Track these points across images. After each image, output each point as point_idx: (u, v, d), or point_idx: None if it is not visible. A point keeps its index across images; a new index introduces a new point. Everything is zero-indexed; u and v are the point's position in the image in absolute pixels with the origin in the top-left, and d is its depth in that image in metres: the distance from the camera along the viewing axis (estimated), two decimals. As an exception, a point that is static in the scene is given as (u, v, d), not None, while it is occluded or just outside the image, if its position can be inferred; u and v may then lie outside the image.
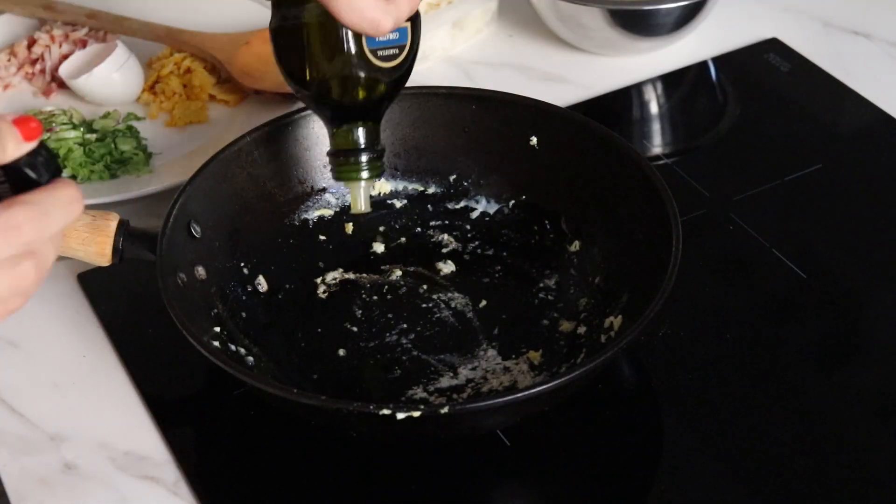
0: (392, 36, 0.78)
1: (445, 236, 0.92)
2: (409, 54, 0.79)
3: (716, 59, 1.12)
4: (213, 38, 1.09)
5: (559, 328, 0.85)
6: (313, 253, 0.91)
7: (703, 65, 1.12)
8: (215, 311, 0.82)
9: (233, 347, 0.81)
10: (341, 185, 0.92)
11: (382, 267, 0.91)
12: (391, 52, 0.78)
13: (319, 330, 0.86)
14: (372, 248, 0.92)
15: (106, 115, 1.04)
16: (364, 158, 0.80)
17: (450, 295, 0.88)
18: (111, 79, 1.04)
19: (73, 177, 0.98)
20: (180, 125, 1.04)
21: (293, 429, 0.80)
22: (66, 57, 1.09)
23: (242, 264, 0.87)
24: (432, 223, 0.93)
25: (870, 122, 1.04)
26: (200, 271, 0.83)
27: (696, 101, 1.11)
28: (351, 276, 0.90)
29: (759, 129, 1.05)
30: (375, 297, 0.88)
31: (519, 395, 0.73)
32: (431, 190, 0.94)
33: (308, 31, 0.77)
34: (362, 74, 0.78)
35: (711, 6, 1.08)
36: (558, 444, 0.79)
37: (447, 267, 0.90)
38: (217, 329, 0.81)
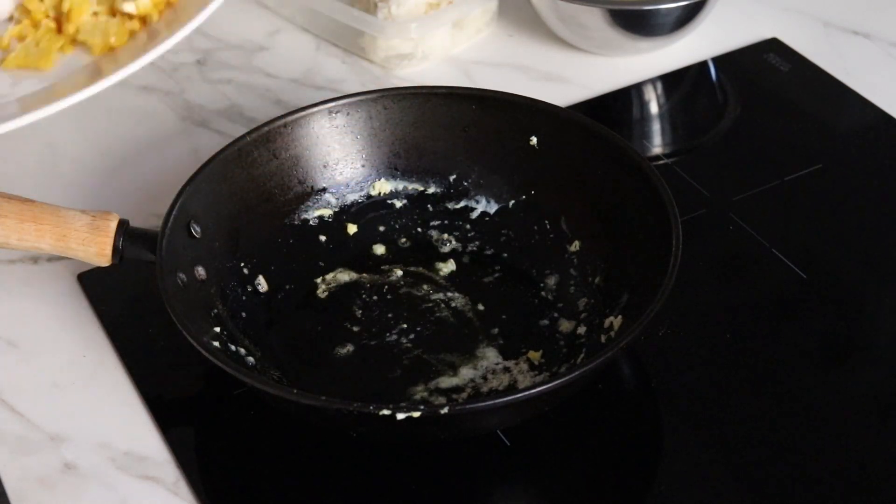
0: None
1: (445, 236, 0.92)
2: None
3: (716, 59, 1.12)
4: None
5: (559, 328, 0.85)
6: (313, 253, 0.91)
7: (703, 65, 1.12)
8: (215, 311, 0.82)
9: (233, 347, 0.81)
10: (341, 186, 0.92)
11: (382, 267, 0.91)
12: None
13: (319, 329, 0.86)
14: (372, 248, 0.92)
15: None
16: None
17: (450, 295, 0.88)
18: None
19: None
20: (11, 67, 0.83)
21: (293, 429, 0.80)
22: None
23: (242, 264, 0.87)
24: (432, 223, 0.93)
25: (870, 122, 1.04)
26: (200, 271, 0.83)
27: (696, 101, 1.11)
28: (351, 275, 0.90)
29: (759, 129, 1.05)
30: (375, 297, 0.88)
31: (519, 395, 0.73)
32: (431, 190, 0.94)
33: None
34: None
35: (711, 6, 1.08)
36: (558, 444, 0.79)
37: (447, 267, 0.90)
38: (217, 329, 0.81)
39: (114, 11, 0.89)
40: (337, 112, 0.92)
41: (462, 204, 0.93)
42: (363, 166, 0.93)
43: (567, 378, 0.72)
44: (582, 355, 0.82)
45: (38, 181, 1.00)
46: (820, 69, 1.10)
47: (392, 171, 0.93)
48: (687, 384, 0.82)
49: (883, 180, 0.99)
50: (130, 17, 0.90)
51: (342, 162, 0.93)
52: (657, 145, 1.04)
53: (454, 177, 0.93)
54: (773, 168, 0.99)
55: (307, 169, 0.91)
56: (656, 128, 1.07)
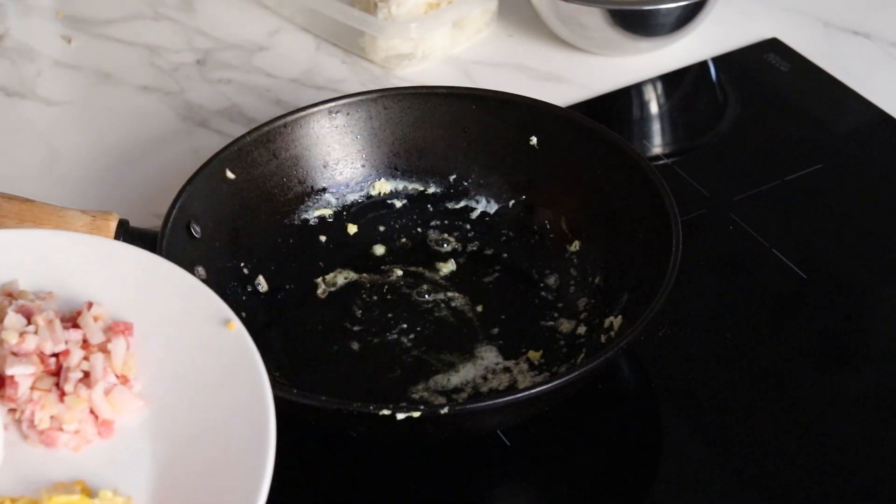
0: None
1: (445, 236, 0.92)
2: None
3: (716, 59, 1.12)
4: None
5: (559, 328, 0.85)
6: (313, 253, 0.91)
7: (703, 65, 1.12)
8: (215, 311, 0.82)
9: (233, 347, 0.81)
10: (342, 186, 0.92)
11: (382, 267, 0.91)
12: None
13: (319, 329, 0.86)
14: (372, 248, 0.92)
15: None
16: None
17: (450, 295, 0.88)
18: None
19: None
20: None
21: (293, 429, 0.79)
22: None
23: (242, 264, 0.87)
24: (432, 223, 0.93)
25: (870, 122, 1.04)
26: (200, 271, 0.83)
27: (696, 101, 1.11)
28: (351, 275, 0.90)
29: (759, 129, 1.05)
30: (375, 297, 0.88)
31: (519, 395, 0.73)
32: (431, 190, 0.94)
33: None
34: None
35: (711, 6, 1.08)
36: (558, 444, 0.79)
37: (447, 267, 0.90)
38: (217, 329, 0.81)
39: None
40: (337, 112, 0.92)
41: (462, 204, 0.93)
42: (363, 166, 0.93)
43: (567, 378, 0.72)
44: (582, 355, 0.82)
45: (38, 181, 1.00)
46: (820, 69, 1.10)
47: (392, 171, 0.93)
48: (687, 384, 0.82)
49: (883, 180, 0.99)
50: None
51: (342, 162, 0.93)
52: (657, 145, 1.04)
53: (454, 177, 0.93)
54: (773, 168, 0.99)
55: (307, 169, 0.91)
56: (656, 128, 1.07)
